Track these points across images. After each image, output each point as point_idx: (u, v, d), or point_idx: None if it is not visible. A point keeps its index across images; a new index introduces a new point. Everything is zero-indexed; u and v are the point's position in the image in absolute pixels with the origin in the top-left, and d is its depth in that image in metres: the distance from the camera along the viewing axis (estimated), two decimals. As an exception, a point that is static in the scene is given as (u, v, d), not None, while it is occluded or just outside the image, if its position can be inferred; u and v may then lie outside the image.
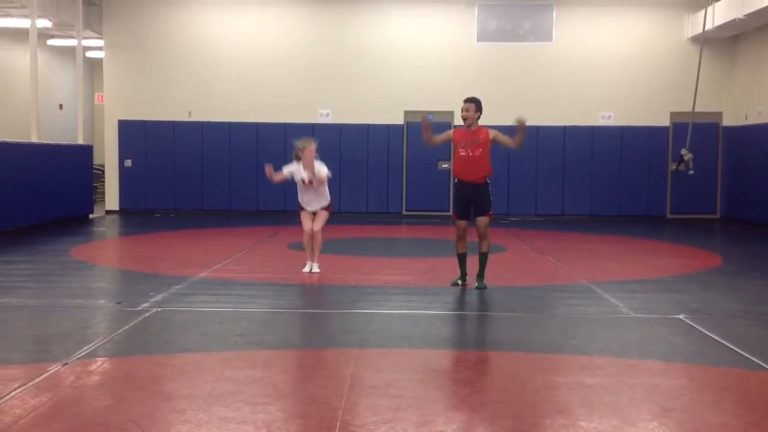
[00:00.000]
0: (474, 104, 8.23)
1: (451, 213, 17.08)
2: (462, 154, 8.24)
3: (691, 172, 16.83)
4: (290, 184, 9.47)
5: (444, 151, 17.85)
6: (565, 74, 17.80)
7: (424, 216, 17.65)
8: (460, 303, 7.82)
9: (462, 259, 8.50)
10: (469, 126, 8.25)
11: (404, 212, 18.05)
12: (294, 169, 9.13)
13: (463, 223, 8.41)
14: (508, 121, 17.42)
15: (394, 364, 5.38)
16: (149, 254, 11.58)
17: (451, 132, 8.57)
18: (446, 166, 17.89)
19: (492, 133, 8.20)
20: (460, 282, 8.48)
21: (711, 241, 14.19)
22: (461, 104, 8.34)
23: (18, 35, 18.33)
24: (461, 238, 8.42)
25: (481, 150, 8.18)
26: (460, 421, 4.17)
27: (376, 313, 7.04)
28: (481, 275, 8.38)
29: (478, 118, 8.27)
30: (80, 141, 17.21)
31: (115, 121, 18.07)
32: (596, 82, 17.84)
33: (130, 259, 11.62)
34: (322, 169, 9.02)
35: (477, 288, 8.30)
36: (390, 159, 17.96)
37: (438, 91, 17.65)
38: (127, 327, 6.33)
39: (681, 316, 6.94)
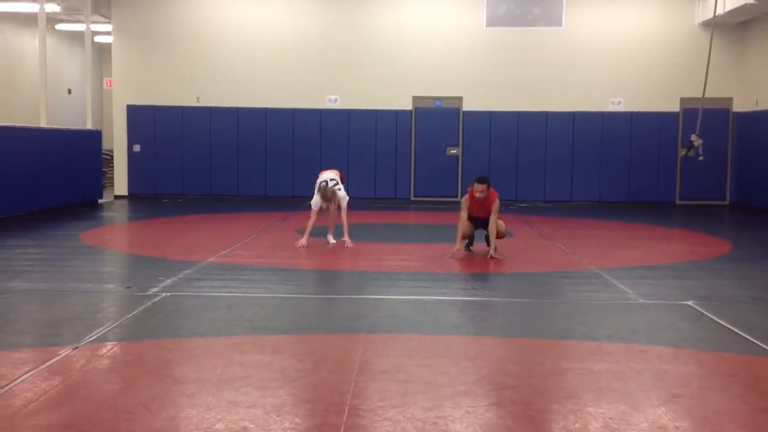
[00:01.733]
0: (487, 184, 9.29)
1: (459, 198, 17.10)
2: (473, 215, 9.42)
3: (701, 158, 16.77)
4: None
5: (452, 136, 17.85)
6: (575, 59, 17.70)
7: (433, 202, 17.64)
8: (468, 289, 7.83)
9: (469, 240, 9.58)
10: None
11: (412, 198, 18.04)
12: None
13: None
14: (517, 106, 17.61)
15: (402, 349, 5.39)
16: (158, 239, 11.62)
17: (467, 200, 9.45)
18: (455, 152, 17.87)
19: (496, 204, 9.27)
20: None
21: (720, 228, 14.14)
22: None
23: (27, 20, 18.33)
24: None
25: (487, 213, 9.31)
26: (468, 406, 4.18)
27: (384, 299, 7.06)
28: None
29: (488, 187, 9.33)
30: (89, 126, 17.24)
31: (123, 106, 18.09)
32: (606, 68, 17.74)
33: (139, 244, 11.66)
34: (343, 201, 10.19)
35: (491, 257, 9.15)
36: (398, 145, 17.92)
37: (447, 77, 17.58)
38: (136, 311, 6.36)
39: (690, 303, 6.94)
